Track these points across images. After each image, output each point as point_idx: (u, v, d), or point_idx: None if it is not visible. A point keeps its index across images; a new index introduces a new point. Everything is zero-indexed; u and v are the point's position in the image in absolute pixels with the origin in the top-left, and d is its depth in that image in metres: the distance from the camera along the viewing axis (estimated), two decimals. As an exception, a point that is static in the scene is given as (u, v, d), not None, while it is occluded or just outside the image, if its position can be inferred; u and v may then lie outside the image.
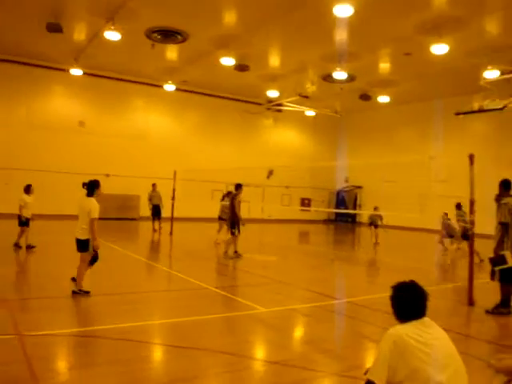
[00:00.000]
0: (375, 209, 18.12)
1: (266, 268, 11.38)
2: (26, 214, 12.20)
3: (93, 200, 7.70)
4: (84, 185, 7.97)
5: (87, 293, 7.52)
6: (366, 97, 25.40)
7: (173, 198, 17.88)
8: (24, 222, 12.19)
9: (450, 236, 15.48)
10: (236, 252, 12.66)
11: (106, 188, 24.92)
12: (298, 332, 6.70)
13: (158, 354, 5.41)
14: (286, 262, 13.30)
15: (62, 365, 4.93)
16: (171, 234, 17.57)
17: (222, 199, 16.45)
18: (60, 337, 5.60)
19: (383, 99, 25.55)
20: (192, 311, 7.34)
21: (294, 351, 5.66)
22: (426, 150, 25.47)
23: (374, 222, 17.81)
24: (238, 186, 13.03)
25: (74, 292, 7.48)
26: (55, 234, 16.93)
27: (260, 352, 5.70)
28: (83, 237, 7.57)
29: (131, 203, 24.67)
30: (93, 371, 4.56)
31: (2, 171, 21.31)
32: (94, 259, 7.76)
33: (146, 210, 20.72)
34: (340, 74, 20.52)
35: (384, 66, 20.94)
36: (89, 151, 23.88)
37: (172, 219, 17.62)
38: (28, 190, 12.45)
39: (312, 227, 27.96)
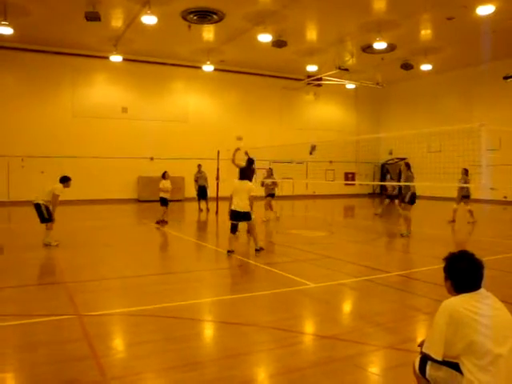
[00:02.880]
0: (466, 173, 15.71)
1: (313, 244, 11.38)
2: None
3: (248, 182, 10.03)
4: (241, 170, 10.23)
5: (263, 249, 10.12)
6: (407, 66, 24.66)
7: (217, 178, 18.04)
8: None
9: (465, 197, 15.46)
10: None
11: (150, 171, 25.60)
12: (349, 306, 6.69)
13: (210, 331, 5.52)
14: (333, 237, 13.25)
15: (120, 342, 5.12)
16: (217, 213, 17.77)
17: (268, 176, 16.58)
18: (116, 316, 5.79)
19: (426, 67, 24.76)
20: (242, 288, 7.45)
21: (346, 325, 5.66)
22: (471, 118, 24.63)
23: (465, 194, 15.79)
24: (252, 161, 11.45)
25: (257, 250, 10.02)
26: (101, 219, 17.40)
27: (311, 327, 5.73)
28: (246, 209, 9.81)
29: (176, 185, 24.96)
30: (149, 348, 4.70)
31: (50, 159, 22.00)
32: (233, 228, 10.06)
33: (190, 191, 21.03)
34: (380, 44, 19.98)
35: (425, 33, 20.24)
36: (132, 136, 24.33)
37: (217, 199, 17.80)
38: (164, 176, 15.48)
39: (357, 201, 27.68)
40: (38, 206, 10.74)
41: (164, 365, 4.32)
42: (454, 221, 15.62)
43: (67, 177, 11.16)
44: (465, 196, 15.63)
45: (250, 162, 10.65)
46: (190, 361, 4.40)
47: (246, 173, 10.20)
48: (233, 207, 9.91)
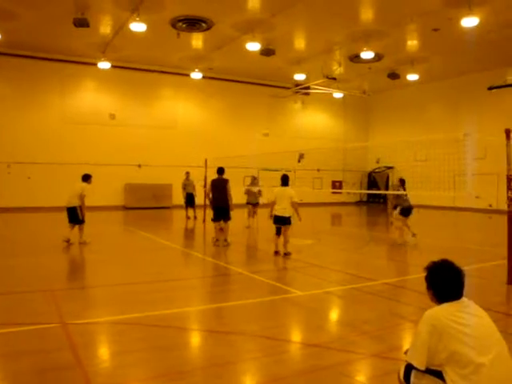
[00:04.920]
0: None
1: (300, 252, 11.40)
2: None
3: (290, 188, 10.85)
4: (282, 177, 11.01)
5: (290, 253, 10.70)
6: (394, 75, 24.89)
7: (205, 186, 18.00)
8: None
9: None
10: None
11: (138, 178, 25.57)
12: (336, 314, 6.72)
13: (196, 339, 5.51)
14: (321, 245, 13.29)
15: (105, 351, 5.08)
16: (204, 221, 17.73)
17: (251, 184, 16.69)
18: (102, 324, 5.76)
19: (412, 77, 25.00)
20: (228, 297, 7.45)
21: (332, 334, 5.68)
22: (457, 128, 24.90)
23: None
24: (223, 170, 12.37)
25: (285, 254, 10.63)
26: (87, 226, 17.30)
27: (298, 335, 5.74)
28: (287, 214, 10.60)
29: (164, 192, 24.98)
30: (135, 357, 4.68)
31: (37, 165, 21.87)
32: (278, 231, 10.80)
33: (178, 199, 20.98)
34: (367, 54, 20.16)
35: (412, 43, 20.46)
36: (120, 143, 24.24)
37: (205, 206, 17.76)
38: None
39: (344, 209, 27.79)
40: (73, 210, 11.71)
41: (150, 374, 4.30)
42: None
43: (88, 174, 12.26)
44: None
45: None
46: (176, 370, 4.39)
47: (287, 180, 10.95)
48: (276, 213, 10.68)
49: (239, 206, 13.23)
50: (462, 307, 2.96)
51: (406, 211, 12.97)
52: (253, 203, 16.47)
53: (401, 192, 13.06)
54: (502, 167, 8.27)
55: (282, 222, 10.67)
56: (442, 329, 2.85)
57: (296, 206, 10.65)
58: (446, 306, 2.98)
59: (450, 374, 2.81)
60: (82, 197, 11.76)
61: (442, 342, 2.83)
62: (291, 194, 10.66)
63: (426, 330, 2.91)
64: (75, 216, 11.75)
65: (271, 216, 10.89)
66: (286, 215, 10.60)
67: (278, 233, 10.78)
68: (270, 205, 11.02)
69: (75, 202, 11.74)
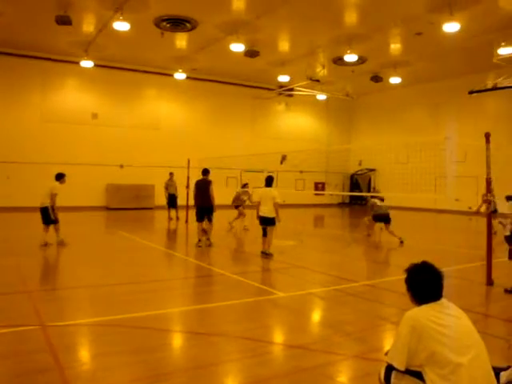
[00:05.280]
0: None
1: (283, 253, 11.42)
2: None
3: (273, 189, 10.95)
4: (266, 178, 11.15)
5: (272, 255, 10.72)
6: (377, 78, 25.14)
7: (187, 187, 17.95)
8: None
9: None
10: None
11: (120, 178, 25.39)
12: (318, 316, 6.74)
13: (178, 341, 5.48)
14: (303, 247, 13.32)
15: (85, 354, 5.02)
16: (187, 221, 17.67)
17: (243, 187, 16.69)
18: (82, 326, 5.69)
19: (395, 80, 25.24)
20: (211, 298, 7.43)
21: (315, 335, 5.70)
22: (438, 131, 25.23)
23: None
24: (207, 172, 12.58)
25: (266, 255, 10.69)
26: (67, 226, 17.12)
27: (280, 336, 5.74)
28: (272, 215, 10.71)
29: (146, 193, 24.83)
30: (116, 359, 4.64)
31: (17, 165, 21.57)
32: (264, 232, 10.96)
33: (161, 199, 20.87)
34: (351, 57, 20.29)
35: (395, 47, 20.67)
36: (102, 143, 24.05)
37: (187, 207, 17.71)
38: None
39: (327, 211, 27.91)
40: (45, 210, 11.49)
41: (131, 376, 4.27)
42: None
43: (61, 173, 11.94)
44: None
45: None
46: (157, 372, 4.36)
47: (271, 181, 11.10)
48: (261, 213, 10.82)
49: (224, 206, 13.21)
50: (441, 308, 3.00)
51: (379, 218, 14.08)
52: (239, 204, 16.38)
53: (374, 200, 14.34)
54: (481, 170, 8.39)
55: (266, 223, 10.84)
56: (422, 329, 2.88)
57: (277, 206, 10.77)
58: (425, 307, 3.02)
59: (429, 375, 2.84)
60: (52, 196, 11.53)
61: (422, 342, 2.86)
62: (274, 194, 10.78)
63: (405, 330, 2.94)
64: (47, 216, 11.55)
65: (258, 217, 11.03)
66: (271, 216, 10.74)
67: (265, 234, 10.93)
68: (256, 206, 11.24)
69: (47, 202, 11.54)
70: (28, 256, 10.28)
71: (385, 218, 13.96)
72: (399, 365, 2.95)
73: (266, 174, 11.60)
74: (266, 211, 10.76)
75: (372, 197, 15.21)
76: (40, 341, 5.05)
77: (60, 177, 11.88)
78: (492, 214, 14.62)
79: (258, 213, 11.03)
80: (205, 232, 12.30)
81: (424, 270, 3.16)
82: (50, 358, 4.57)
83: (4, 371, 4.28)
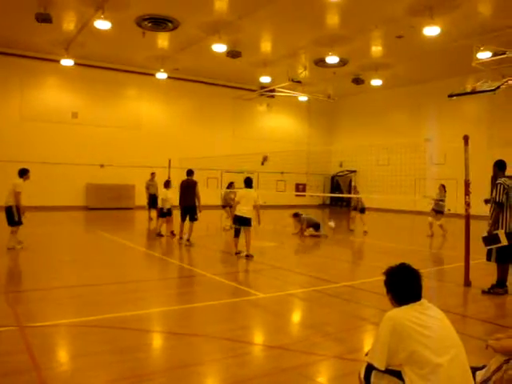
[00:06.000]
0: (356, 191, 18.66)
1: (263, 254, 11.42)
2: (167, 205, 13.90)
3: (254, 191, 10.99)
4: (245, 180, 11.04)
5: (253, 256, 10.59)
6: (358, 80, 25.35)
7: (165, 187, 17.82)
8: (165, 213, 14.00)
9: (439, 212, 15.82)
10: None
11: (100, 178, 25.15)
12: (298, 316, 6.75)
13: (157, 341, 5.45)
14: (283, 248, 13.35)
15: (63, 354, 4.97)
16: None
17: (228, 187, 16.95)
18: (60, 327, 5.62)
19: (376, 82, 25.48)
20: (190, 298, 7.40)
21: (294, 335, 5.71)
22: (419, 133, 25.55)
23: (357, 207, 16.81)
24: (192, 172, 13.06)
25: (247, 256, 10.56)
26: (46, 226, 16.91)
27: (260, 337, 5.74)
28: (248, 216, 10.64)
29: (126, 193, 24.66)
30: (94, 360, 4.59)
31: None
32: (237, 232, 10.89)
33: (141, 200, 20.74)
34: (332, 59, 20.43)
35: (376, 50, 20.88)
36: (83, 142, 23.83)
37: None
38: (168, 185, 14.25)
39: (307, 212, 27.95)
40: (9, 209, 10.58)
41: (110, 377, 4.23)
42: (432, 235, 15.61)
43: (25, 169, 11.07)
44: (438, 211, 15.74)
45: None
46: (137, 372, 4.33)
47: (251, 182, 11.06)
48: (238, 213, 10.65)
49: (205, 207, 13.18)
50: (421, 309, 3.03)
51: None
52: (230, 205, 16.51)
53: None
54: (460, 172, 8.51)
55: (241, 223, 10.76)
56: (402, 329, 2.91)
57: (258, 208, 10.88)
58: (405, 307, 3.05)
59: (408, 374, 2.87)
60: (16, 194, 10.56)
61: (402, 342, 2.89)
62: (255, 196, 10.83)
63: (386, 331, 2.96)
64: (11, 217, 10.63)
65: (233, 216, 11.04)
66: (247, 216, 10.68)
67: (237, 234, 10.86)
68: (234, 205, 11.26)
69: (11, 201, 10.62)
70: (3, 257, 10.13)
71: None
72: (379, 364, 2.97)
73: (245, 175, 11.65)
74: (245, 211, 10.68)
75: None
76: (17, 342, 4.98)
77: (23, 173, 10.97)
78: (438, 213, 15.50)
79: (232, 212, 11.07)
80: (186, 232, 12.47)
81: (402, 271, 3.20)
82: (27, 359, 4.50)
83: (-20, 373, 4.21)
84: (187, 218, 12.71)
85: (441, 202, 15.64)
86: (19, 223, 10.77)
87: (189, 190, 12.66)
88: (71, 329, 5.58)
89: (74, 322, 5.76)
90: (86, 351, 4.82)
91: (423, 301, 3.10)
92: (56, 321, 5.79)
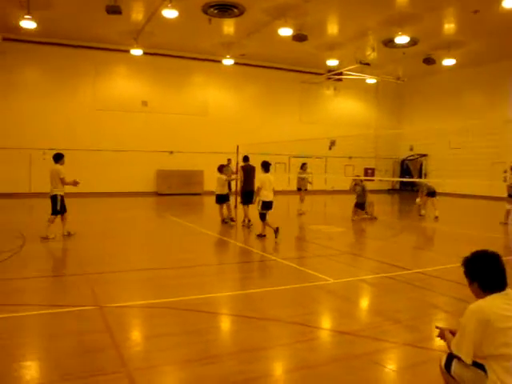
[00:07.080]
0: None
1: (332, 239, 11.33)
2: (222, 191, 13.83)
3: (270, 175, 11.27)
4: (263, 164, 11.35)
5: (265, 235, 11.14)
6: (429, 60, 24.31)
7: (236, 172, 18.01)
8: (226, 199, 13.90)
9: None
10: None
11: (170, 164, 25.70)
12: (368, 302, 6.66)
13: (228, 324, 5.54)
14: (352, 233, 13.19)
15: (138, 335, 5.17)
16: (236, 207, 17.77)
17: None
18: (134, 308, 5.84)
19: (448, 62, 24.33)
20: (261, 283, 7.46)
21: (365, 322, 5.63)
22: (496, 115, 24.26)
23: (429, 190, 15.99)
24: (248, 158, 13.70)
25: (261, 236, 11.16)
26: (119, 211, 17.54)
27: (330, 322, 5.71)
28: (272, 199, 11.10)
29: (195, 179, 25.15)
30: (168, 341, 4.74)
31: (70, 152, 22.20)
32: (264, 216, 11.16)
33: (210, 185, 21.05)
34: (402, 39, 19.70)
35: (449, 27, 19.89)
36: (152, 130, 24.46)
37: (236, 193, 17.79)
38: (221, 169, 14.16)
39: (376, 197, 27.38)
40: (54, 197, 10.55)
41: (183, 357, 4.36)
42: (506, 223, 14.43)
43: (60, 153, 10.92)
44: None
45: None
46: (208, 354, 4.43)
47: (268, 166, 11.38)
48: (265, 199, 10.93)
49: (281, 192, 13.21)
50: (507, 299, 2.88)
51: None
52: (303, 189, 17.07)
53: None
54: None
55: (269, 207, 11.12)
56: (489, 323, 2.78)
57: (273, 192, 11.26)
58: (490, 298, 2.91)
59: (493, 366, 2.77)
60: (62, 181, 10.53)
61: (488, 335, 2.78)
62: (272, 180, 11.25)
63: (472, 324, 2.84)
64: (54, 204, 10.51)
65: (258, 201, 11.22)
66: (271, 200, 11.12)
67: (263, 218, 11.13)
68: (257, 191, 11.41)
69: (56, 190, 10.53)
70: (82, 240, 10.61)
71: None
72: (466, 358, 2.87)
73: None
74: (270, 196, 11.07)
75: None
76: (97, 321, 5.23)
77: (59, 157, 10.81)
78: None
79: (257, 197, 11.33)
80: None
81: (488, 256, 3.03)
82: (106, 337, 4.73)
83: (69, 350, 4.47)
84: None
85: None
86: (61, 212, 10.66)
87: (252, 174, 13.19)
88: (145, 310, 5.78)
89: (147, 303, 5.96)
90: (158, 332, 4.99)
91: (509, 290, 2.94)
92: (131, 302, 6.03)
